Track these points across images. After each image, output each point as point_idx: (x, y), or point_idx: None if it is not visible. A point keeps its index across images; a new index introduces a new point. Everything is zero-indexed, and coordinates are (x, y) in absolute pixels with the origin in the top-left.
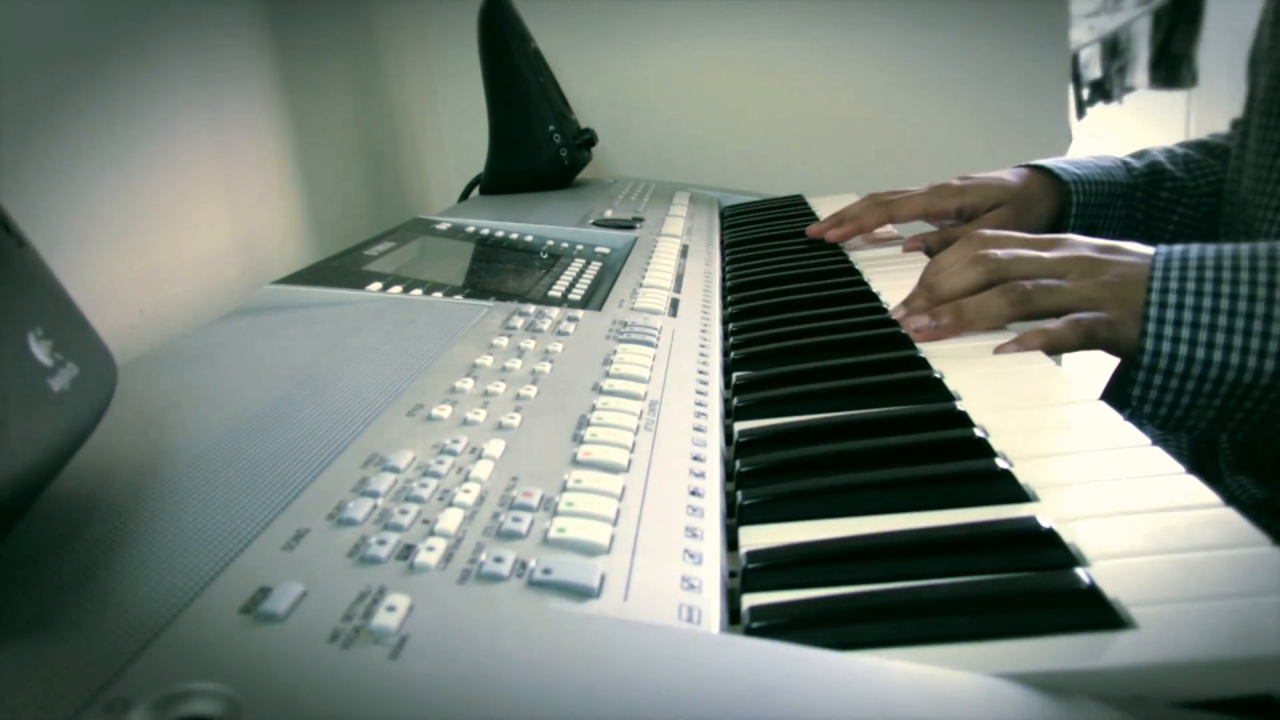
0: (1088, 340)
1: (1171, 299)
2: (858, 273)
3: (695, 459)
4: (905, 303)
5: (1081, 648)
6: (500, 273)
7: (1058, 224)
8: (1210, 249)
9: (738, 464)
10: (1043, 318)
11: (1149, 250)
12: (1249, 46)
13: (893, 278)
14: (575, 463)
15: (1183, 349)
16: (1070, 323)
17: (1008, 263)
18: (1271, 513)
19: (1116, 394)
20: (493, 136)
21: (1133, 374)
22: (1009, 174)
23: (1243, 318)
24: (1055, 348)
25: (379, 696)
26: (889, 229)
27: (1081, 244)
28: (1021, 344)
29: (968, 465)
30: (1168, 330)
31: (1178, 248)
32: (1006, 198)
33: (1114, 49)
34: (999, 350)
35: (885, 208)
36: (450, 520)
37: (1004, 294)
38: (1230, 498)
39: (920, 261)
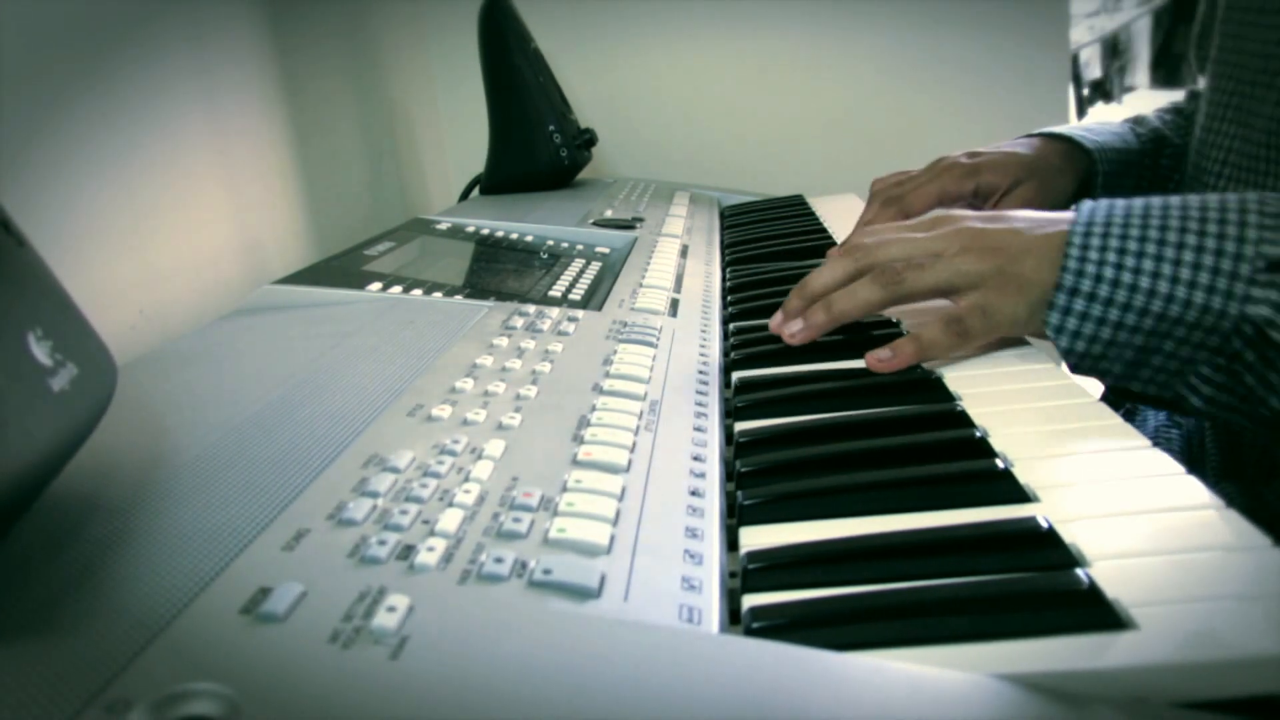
0: (961, 338)
1: (1097, 228)
2: None
3: (695, 459)
4: (781, 309)
5: (1082, 648)
6: (500, 273)
7: (1080, 197)
8: (1137, 200)
9: (738, 464)
10: (920, 299)
11: (1039, 215)
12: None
13: None
14: (575, 463)
15: (1108, 270)
16: (941, 323)
17: (875, 248)
18: (1254, 520)
19: (1117, 394)
20: (493, 136)
21: (1050, 303)
22: (1020, 145)
23: (1172, 247)
24: (928, 353)
25: (379, 697)
26: None
27: (963, 217)
28: (896, 350)
29: (968, 465)
30: (1092, 254)
31: (1102, 201)
32: (1025, 173)
33: (1114, 49)
34: (872, 364)
35: (898, 207)
36: (450, 520)
37: (874, 279)
38: None
39: None
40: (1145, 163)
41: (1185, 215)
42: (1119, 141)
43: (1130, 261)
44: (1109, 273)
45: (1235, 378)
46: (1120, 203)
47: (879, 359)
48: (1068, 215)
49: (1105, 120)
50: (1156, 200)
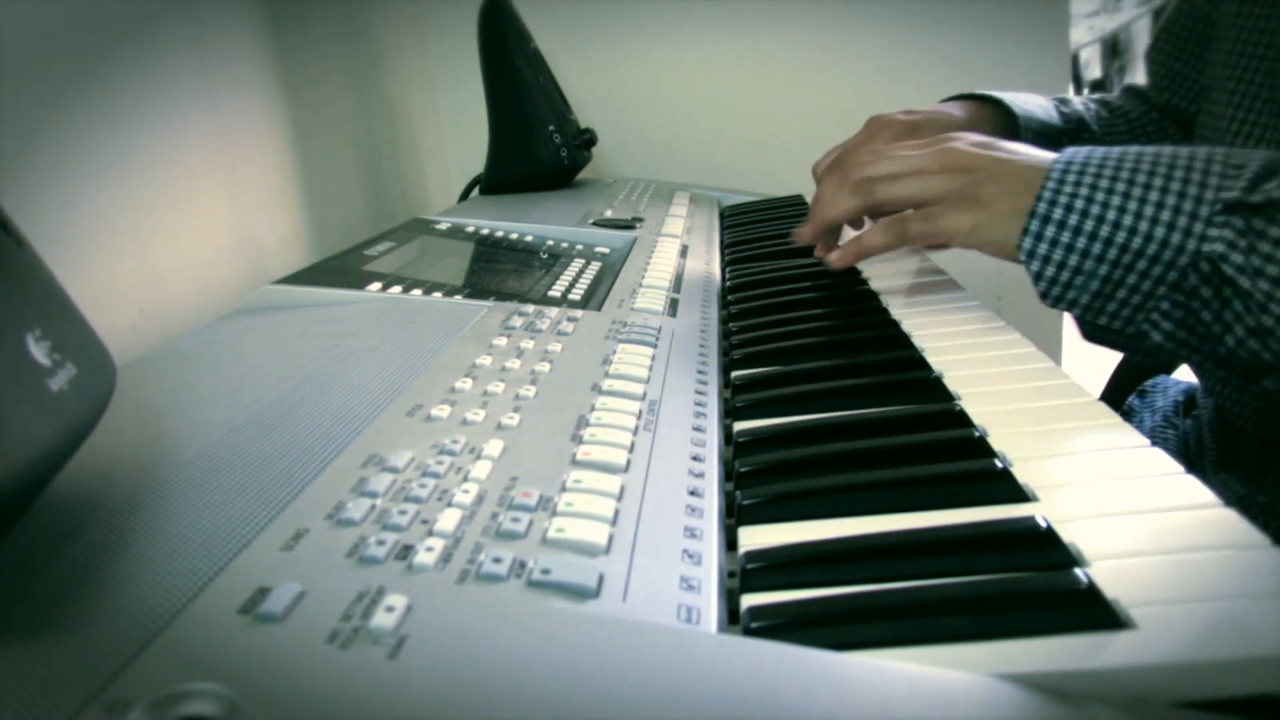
0: (899, 237)
1: (1075, 166)
2: (857, 272)
3: (694, 459)
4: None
5: (1081, 648)
6: (500, 273)
7: None
8: (1119, 147)
9: (737, 464)
10: (891, 209)
11: (1027, 148)
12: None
13: (892, 279)
14: (574, 463)
15: (1078, 203)
16: (882, 225)
17: (862, 164)
18: (1252, 509)
19: (1117, 394)
20: (493, 136)
21: (1024, 228)
22: (954, 107)
23: (1140, 187)
24: (868, 250)
25: (377, 697)
26: None
27: (957, 138)
28: (843, 250)
29: (967, 465)
30: (1067, 187)
31: (1087, 146)
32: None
33: (1114, 49)
34: (829, 260)
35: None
36: (449, 520)
37: (853, 189)
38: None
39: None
40: (1064, 141)
41: (1157, 161)
42: (1043, 114)
43: (1100, 197)
44: (1079, 204)
45: (1193, 314)
46: (1102, 149)
47: (832, 258)
48: (1049, 155)
49: (1031, 95)
50: (1135, 148)
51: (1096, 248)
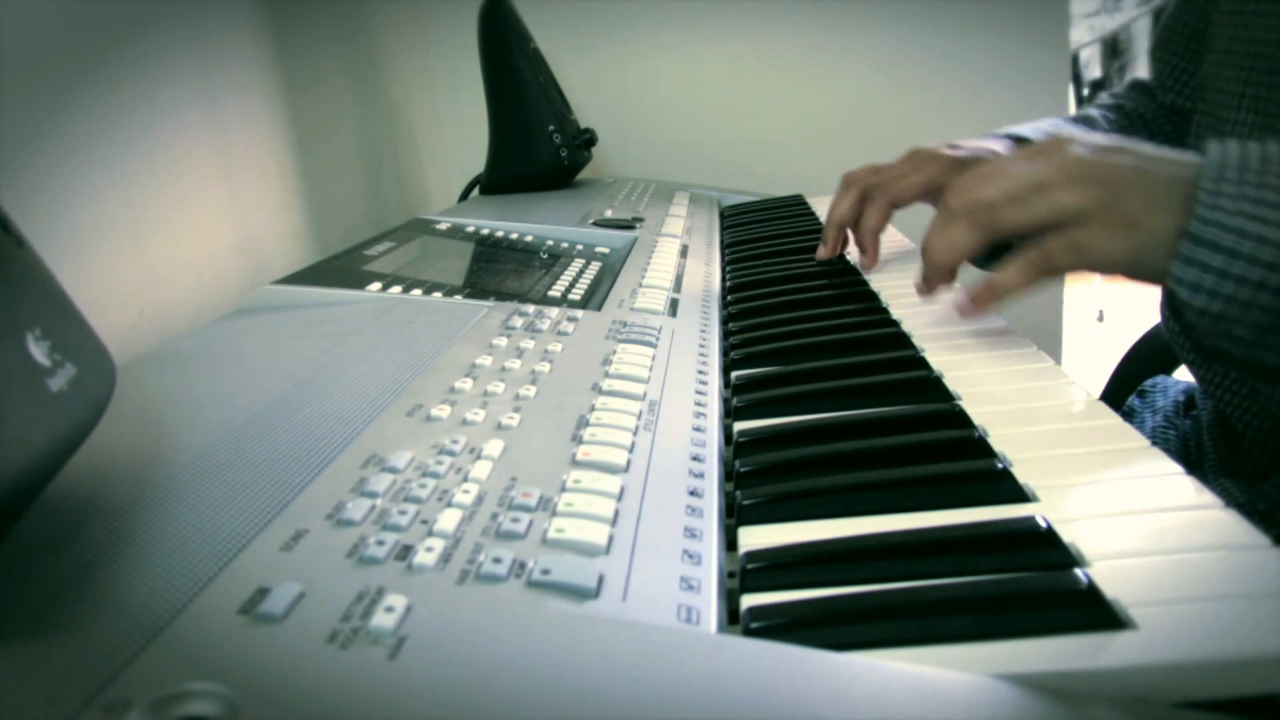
0: (1044, 272)
1: (1231, 173)
2: (858, 272)
3: (694, 459)
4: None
5: (1081, 648)
6: (500, 273)
7: None
8: (1262, 146)
9: (737, 464)
10: (1020, 234)
11: (1161, 151)
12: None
13: (893, 278)
14: (574, 463)
15: (1235, 220)
16: (1018, 263)
17: (970, 188)
18: (1252, 517)
19: (1117, 394)
20: (493, 136)
21: (1176, 251)
22: (999, 144)
23: None
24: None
25: (377, 697)
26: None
27: (1071, 141)
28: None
29: (967, 465)
30: (1225, 201)
31: (1230, 143)
32: None
33: (1114, 49)
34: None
35: (886, 196)
36: (449, 520)
37: (968, 219)
38: None
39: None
40: None
41: None
42: None
43: (1269, 212)
44: (1235, 222)
45: None
46: (1252, 146)
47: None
48: (1190, 158)
49: (1057, 123)
50: None
51: (1256, 272)
